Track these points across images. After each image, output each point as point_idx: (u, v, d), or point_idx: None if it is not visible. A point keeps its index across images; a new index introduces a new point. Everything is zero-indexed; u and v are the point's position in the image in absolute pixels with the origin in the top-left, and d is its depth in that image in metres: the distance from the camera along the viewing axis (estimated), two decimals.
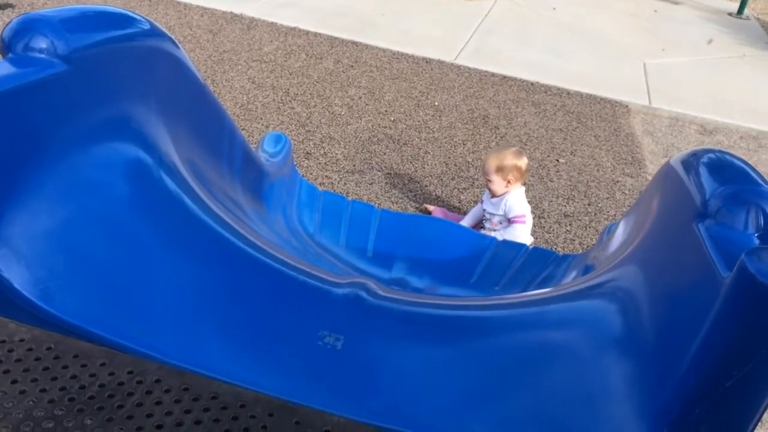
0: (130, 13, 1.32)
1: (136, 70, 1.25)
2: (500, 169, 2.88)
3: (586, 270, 2.06)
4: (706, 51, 5.88)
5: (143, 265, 1.04)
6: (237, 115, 3.77)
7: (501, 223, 2.96)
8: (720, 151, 1.18)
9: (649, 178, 3.82)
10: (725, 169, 1.12)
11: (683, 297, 0.94)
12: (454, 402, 0.98)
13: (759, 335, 0.73)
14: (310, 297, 1.15)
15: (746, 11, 7.04)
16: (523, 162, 2.92)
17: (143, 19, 1.30)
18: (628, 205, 3.52)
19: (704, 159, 1.16)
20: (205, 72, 4.21)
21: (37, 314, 0.88)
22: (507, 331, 1.16)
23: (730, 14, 7.05)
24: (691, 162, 1.17)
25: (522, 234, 2.89)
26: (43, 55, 1.01)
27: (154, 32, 1.31)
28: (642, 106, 4.68)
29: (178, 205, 1.20)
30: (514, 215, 2.89)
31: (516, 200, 2.91)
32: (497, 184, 2.91)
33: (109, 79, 1.15)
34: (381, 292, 1.18)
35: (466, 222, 3.07)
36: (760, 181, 1.03)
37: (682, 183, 1.12)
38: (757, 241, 0.91)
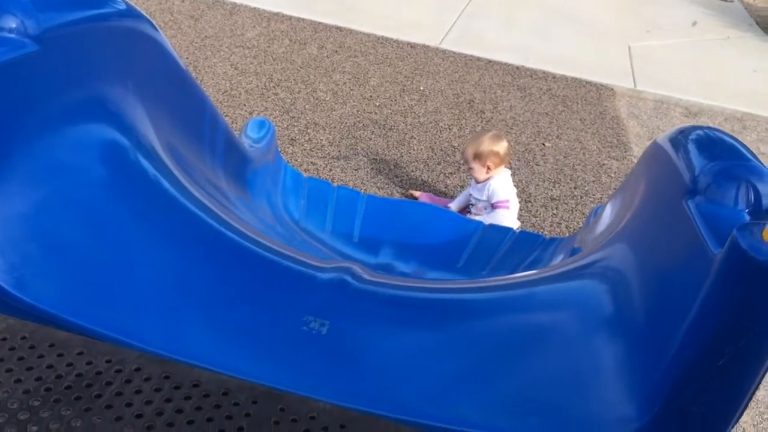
0: None
1: (112, 51, 1.21)
2: (478, 156, 2.87)
3: (573, 253, 2.05)
4: (690, 33, 5.88)
5: (121, 251, 1.01)
6: (220, 102, 3.73)
7: (485, 208, 2.95)
8: (708, 128, 1.17)
9: (635, 161, 3.82)
10: (714, 146, 1.10)
11: (673, 275, 0.93)
12: (441, 385, 0.97)
13: (751, 312, 0.71)
14: (294, 282, 1.13)
15: None
16: (501, 146, 2.89)
17: (119, 0, 1.26)
18: (614, 188, 3.52)
19: (692, 136, 1.14)
20: (187, 58, 4.14)
21: (11, 303, 0.85)
22: (495, 313, 1.14)
23: None
24: (678, 139, 1.15)
25: (506, 219, 2.87)
26: (12, 35, 0.97)
27: (131, 13, 1.28)
28: (627, 89, 4.67)
29: (157, 189, 1.17)
30: (497, 200, 2.88)
31: (500, 185, 2.89)
32: (477, 171, 2.90)
33: (84, 60, 1.12)
34: (366, 276, 1.16)
35: (453, 206, 3.05)
36: (750, 157, 1.02)
37: (670, 160, 1.10)
38: (747, 217, 0.89)
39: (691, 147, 1.10)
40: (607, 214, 1.55)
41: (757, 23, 6.38)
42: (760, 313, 0.70)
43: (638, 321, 0.94)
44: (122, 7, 1.26)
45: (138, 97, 1.26)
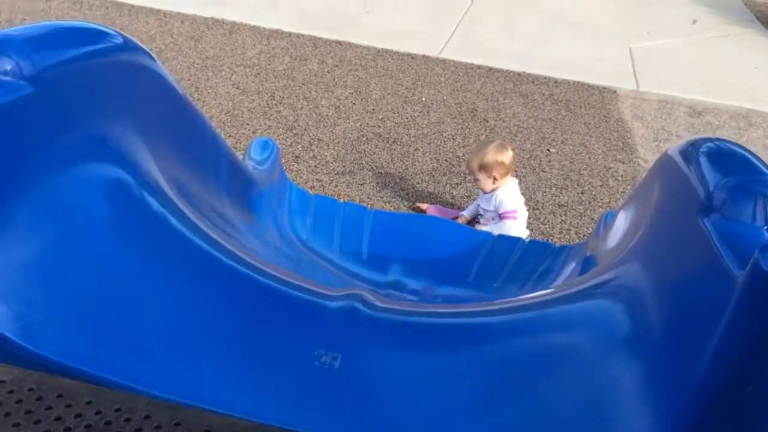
0: (102, 28, 1.27)
1: (110, 86, 1.20)
2: (483, 167, 2.85)
3: (586, 261, 2.02)
4: (690, 32, 5.85)
5: (128, 293, 0.99)
6: (223, 122, 3.72)
7: (493, 219, 2.93)
8: (718, 139, 1.14)
9: (642, 163, 3.80)
10: (727, 159, 1.08)
11: (693, 296, 0.90)
12: (458, 415, 0.95)
13: None
14: (303, 313, 1.11)
15: None
16: (506, 156, 2.87)
17: (116, 33, 1.25)
18: (622, 192, 3.49)
19: (703, 149, 1.12)
20: (188, 80, 4.15)
21: (17, 353, 0.84)
22: (510, 337, 1.12)
23: None
24: (690, 152, 1.13)
25: (514, 229, 2.85)
26: (8, 78, 0.96)
27: (128, 46, 1.26)
28: (630, 90, 4.65)
29: (164, 226, 1.15)
30: (505, 210, 2.86)
31: (507, 195, 2.87)
32: (484, 182, 2.89)
33: (82, 98, 1.11)
34: (377, 303, 1.14)
35: (466, 215, 3.04)
36: (765, 170, 0.99)
37: (682, 174, 1.08)
38: (766, 234, 0.87)
39: (703, 160, 1.07)
40: (620, 224, 1.53)
41: (758, 18, 6.35)
42: None
43: (658, 344, 0.92)
44: (119, 41, 1.25)
45: (138, 132, 1.25)
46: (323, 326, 1.07)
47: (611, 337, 1.02)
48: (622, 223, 1.56)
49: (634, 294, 1.08)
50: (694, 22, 6.05)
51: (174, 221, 1.17)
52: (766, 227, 0.88)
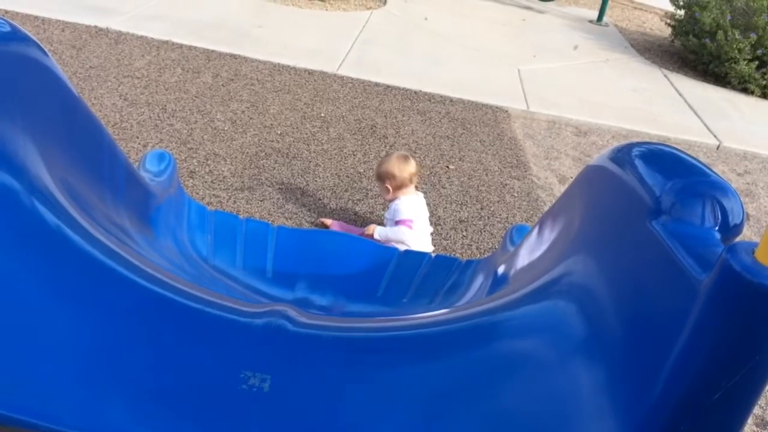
0: None
1: None
2: (379, 177, 2.92)
3: (495, 275, 2.02)
4: (572, 57, 6.18)
5: (22, 318, 0.85)
6: (111, 135, 3.48)
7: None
8: (646, 143, 1.15)
9: (535, 180, 3.92)
10: (665, 161, 1.08)
11: (647, 299, 0.88)
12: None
13: (749, 339, 0.67)
14: (225, 333, 1.00)
15: (605, 18, 7.49)
16: (410, 167, 2.88)
17: (3, 21, 1.10)
18: (518, 208, 3.58)
19: (635, 153, 1.12)
20: None
21: None
22: (456, 347, 1.06)
23: (590, 21, 7.47)
24: (622, 158, 1.13)
25: (407, 236, 2.82)
26: None
27: (16, 36, 1.12)
28: (521, 110, 4.81)
29: (58, 238, 1.01)
30: (399, 219, 2.87)
31: (403, 205, 2.87)
32: (381, 190, 2.94)
33: None
34: (304, 320, 1.06)
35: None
36: (707, 170, 1.00)
37: (619, 181, 1.07)
38: (718, 235, 0.87)
39: (641, 165, 1.07)
40: (537, 241, 1.51)
41: (632, 45, 6.80)
42: (759, 339, 0.66)
43: (614, 350, 0.89)
44: (6, 29, 1.10)
45: (27, 132, 1.10)
46: (248, 346, 0.97)
47: (565, 342, 0.99)
48: (539, 239, 1.54)
49: (581, 300, 1.06)
50: (576, 47, 6.39)
51: (72, 234, 1.03)
52: (716, 228, 0.88)
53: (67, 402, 0.76)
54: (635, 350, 0.84)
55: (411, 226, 2.86)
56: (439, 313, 1.47)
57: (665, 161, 1.07)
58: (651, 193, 0.97)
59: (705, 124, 5.11)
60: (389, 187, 2.87)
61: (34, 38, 1.17)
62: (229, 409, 0.84)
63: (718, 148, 4.82)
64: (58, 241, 0.99)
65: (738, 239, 0.86)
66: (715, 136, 4.92)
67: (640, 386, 0.77)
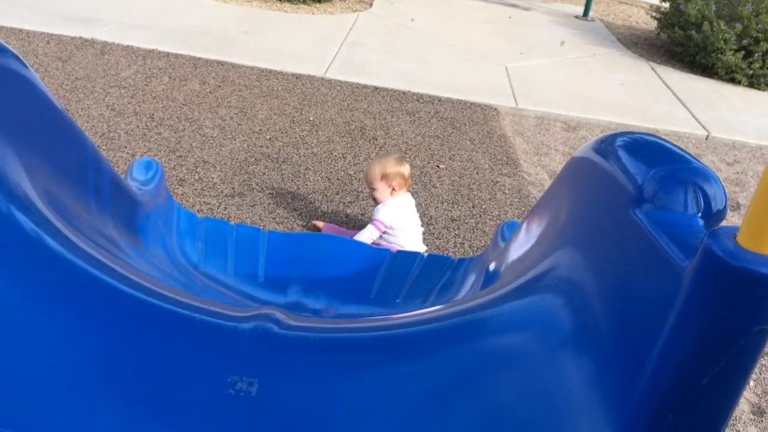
0: None
1: None
2: (384, 177, 2.85)
3: (488, 273, 2.02)
4: (559, 52, 6.19)
5: (3, 328, 0.84)
6: (98, 146, 3.47)
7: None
8: (629, 132, 1.15)
9: (525, 176, 3.92)
10: (647, 150, 1.08)
11: (635, 289, 0.88)
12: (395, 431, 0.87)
13: (735, 323, 0.67)
14: (212, 337, 1.00)
15: (591, 13, 7.51)
16: (405, 169, 2.89)
17: None
18: (510, 204, 3.58)
19: (618, 143, 1.12)
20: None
21: None
22: (444, 345, 1.06)
23: (576, 17, 7.49)
24: (605, 149, 1.12)
25: (374, 235, 2.82)
26: None
27: None
28: (510, 108, 4.82)
29: (38, 246, 1.00)
30: (374, 218, 2.86)
31: (384, 208, 2.86)
32: (381, 191, 2.87)
33: None
34: (291, 322, 1.05)
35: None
36: (689, 157, 1.00)
37: (603, 171, 1.07)
38: (701, 221, 0.86)
39: (623, 154, 1.07)
40: (526, 235, 1.51)
41: (619, 40, 6.82)
42: (743, 323, 0.66)
43: (601, 339, 0.88)
44: None
45: (7, 141, 1.09)
46: (235, 350, 0.97)
47: (553, 336, 0.99)
48: (527, 233, 1.54)
49: (567, 291, 1.05)
50: (563, 43, 6.41)
51: (51, 241, 1.02)
52: (699, 214, 0.88)
53: (49, 413, 0.76)
54: (622, 340, 0.84)
55: (380, 228, 2.84)
56: (426, 311, 1.46)
57: (647, 150, 1.07)
58: (633, 181, 0.97)
59: (693, 116, 5.12)
60: (395, 186, 2.85)
61: (12, 50, 1.16)
62: (216, 414, 0.83)
63: (707, 139, 4.83)
64: (35, 249, 0.99)
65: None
66: (703, 127, 4.93)
67: (628, 376, 0.77)
